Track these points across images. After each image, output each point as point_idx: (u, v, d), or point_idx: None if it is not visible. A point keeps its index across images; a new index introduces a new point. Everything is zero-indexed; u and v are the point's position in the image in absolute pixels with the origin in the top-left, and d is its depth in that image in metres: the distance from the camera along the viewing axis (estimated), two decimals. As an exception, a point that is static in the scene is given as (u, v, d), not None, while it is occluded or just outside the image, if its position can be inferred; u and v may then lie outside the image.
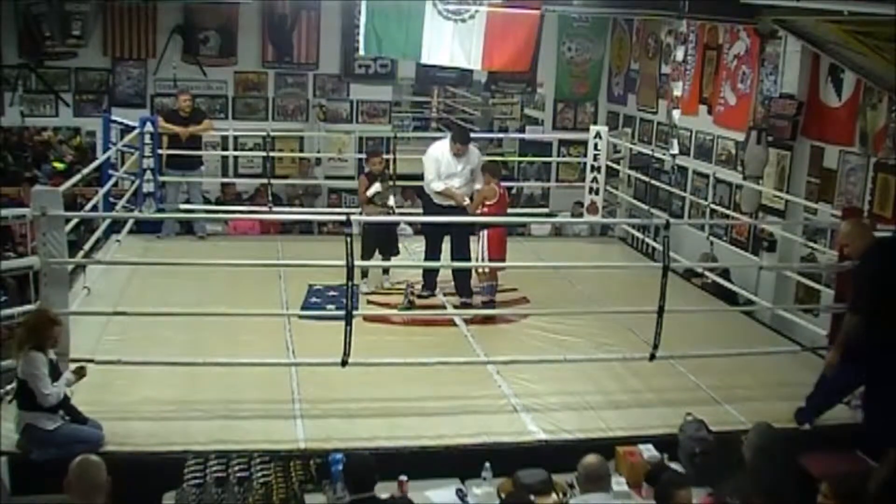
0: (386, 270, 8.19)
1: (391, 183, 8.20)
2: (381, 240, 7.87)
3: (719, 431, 5.36)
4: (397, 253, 8.13)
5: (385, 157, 8.70)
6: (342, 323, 5.64)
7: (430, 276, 7.97)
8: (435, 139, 8.35)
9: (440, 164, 7.65)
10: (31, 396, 4.92)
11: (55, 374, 5.04)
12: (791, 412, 5.80)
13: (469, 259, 7.79)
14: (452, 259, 7.80)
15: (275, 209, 10.35)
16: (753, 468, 4.51)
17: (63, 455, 4.62)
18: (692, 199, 10.14)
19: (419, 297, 7.84)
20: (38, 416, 4.92)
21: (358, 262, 5.74)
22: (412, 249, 8.88)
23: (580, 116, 12.87)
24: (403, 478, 4.86)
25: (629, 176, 10.68)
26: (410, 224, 9.53)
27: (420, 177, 8.08)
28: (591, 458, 4.45)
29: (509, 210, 10.91)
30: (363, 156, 11.51)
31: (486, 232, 7.49)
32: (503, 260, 7.65)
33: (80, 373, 5.17)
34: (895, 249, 5.70)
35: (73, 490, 3.89)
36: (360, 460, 4.69)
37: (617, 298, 7.59)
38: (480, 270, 7.65)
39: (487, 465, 5.00)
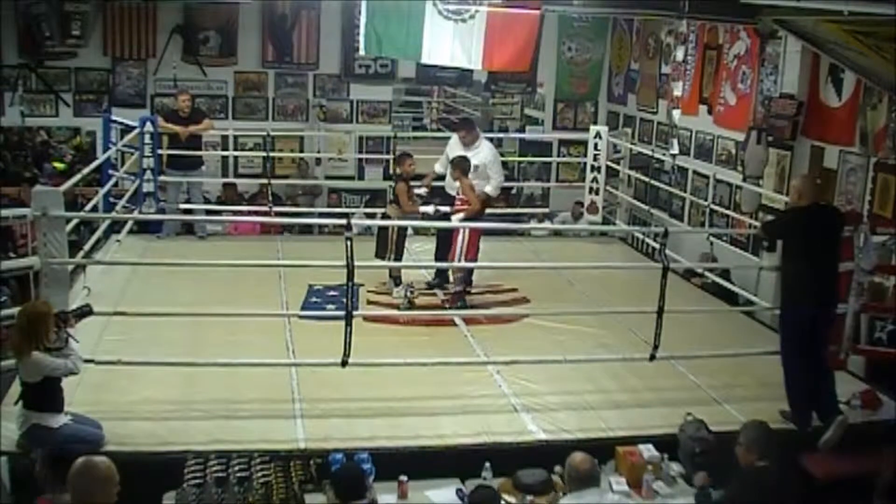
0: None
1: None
2: (396, 241, 7.86)
3: (719, 431, 5.35)
4: (401, 257, 8.12)
5: (385, 157, 8.69)
6: (342, 323, 5.66)
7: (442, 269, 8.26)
8: (435, 139, 8.38)
9: (448, 157, 7.99)
10: (37, 396, 4.92)
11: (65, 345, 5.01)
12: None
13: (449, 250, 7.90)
14: (437, 249, 8.06)
15: (275, 209, 10.35)
16: (753, 468, 4.50)
17: (61, 454, 4.62)
18: (692, 199, 10.14)
19: (429, 285, 8.09)
20: (44, 415, 4.92)
21: (358, 263, 5.73)
22: (412, 249, 8.89)
23: (580, 116, 12.86)
24: (403, 478, 4.87)
25: (629, 176, 10.67)
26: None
27: (420, 177, 8.19)
28: (579, 457, 4.41)
29: (507, 210, 11.00)
30: (363, 156, 11.59)
31: (467, 230, 7.55)
32: (477, 258, 7.79)
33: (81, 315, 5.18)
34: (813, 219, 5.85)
35: (75, 489, 3.79)
36: (348, 470, 4.70)
37: (617, 298, 7.58)
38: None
39: (487, 465, 5.01)
